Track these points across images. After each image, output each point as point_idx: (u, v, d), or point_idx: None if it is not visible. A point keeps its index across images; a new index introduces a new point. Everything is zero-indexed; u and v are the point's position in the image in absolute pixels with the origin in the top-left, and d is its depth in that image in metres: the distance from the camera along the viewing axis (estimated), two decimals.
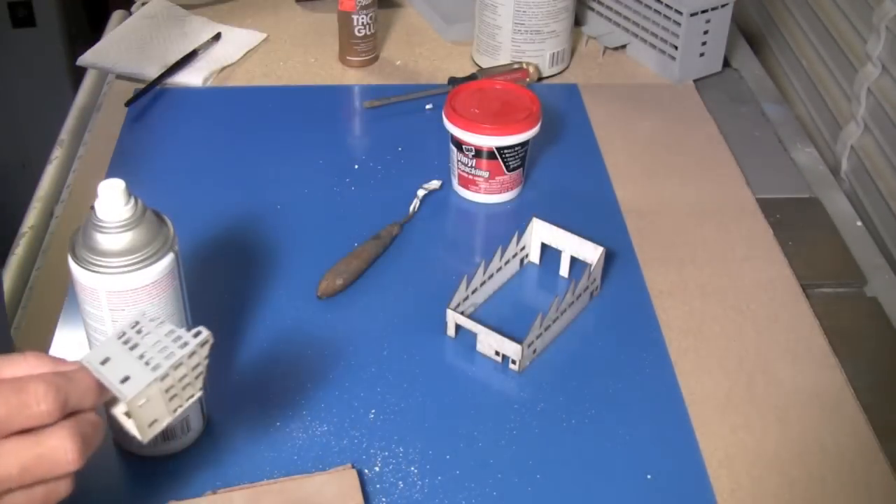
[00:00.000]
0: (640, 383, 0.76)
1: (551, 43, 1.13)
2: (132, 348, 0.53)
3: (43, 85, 1.98)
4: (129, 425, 0.52)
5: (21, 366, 0.50)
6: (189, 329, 0.53)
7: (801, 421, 0.74)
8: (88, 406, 0.51)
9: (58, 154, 1.04)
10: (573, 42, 1.19)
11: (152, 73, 1.11)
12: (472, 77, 1.10)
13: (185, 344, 0.53)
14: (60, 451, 0.48)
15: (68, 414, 0.49)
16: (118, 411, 0.52)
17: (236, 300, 0.82)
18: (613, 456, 0.70)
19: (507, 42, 1.13)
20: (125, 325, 0.54)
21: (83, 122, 1.09)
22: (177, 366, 0.52)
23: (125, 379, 0.51)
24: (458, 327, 0.79)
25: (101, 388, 0.51)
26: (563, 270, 0.87)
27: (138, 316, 0.54)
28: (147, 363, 0.52)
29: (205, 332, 0.54)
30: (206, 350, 0.54)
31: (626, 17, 1.20)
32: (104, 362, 0.52)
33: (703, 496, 0.68)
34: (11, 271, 0.87)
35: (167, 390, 0.53)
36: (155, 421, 0.53)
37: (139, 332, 0.54)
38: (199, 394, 0.55)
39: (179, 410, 0.54)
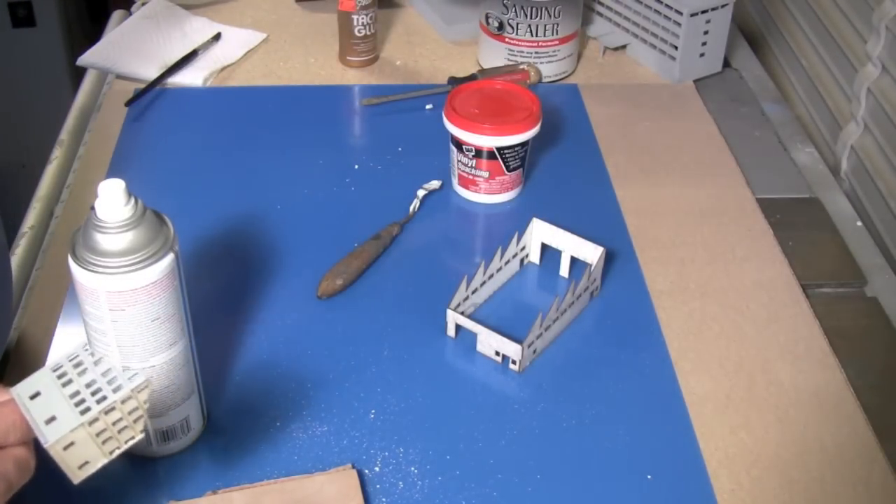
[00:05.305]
0: (640, 383, 0.76)
1: None
2: (65, 385, 0.51)
3: (43, 85, 1.98)
4: (60, 464, 0.51)
5: None
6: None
7: (801, 421, 0.74)
8: (13, 443, 0.49)
9: (58, 154, 1.04)
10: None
11: (152, 73, 1.11)
12: (472, 77, 1.10)
13: (119, 388, 0.51)
14: None
15: None
16: (47, 448, 0.50)
17: (236, 300, 0.82)
18: (613, 456, 0.70)
19: None
20: (63, 357, 0.52)
21: (83, 122, 1.09)
22: (108, 410, 0.51)
23: (51, 419, 0.50)
24: (458, 327, 0.79)
25: (28, 424, 0.49)
26: (563, 270, 0.87)
27: (79, 349, 0.53)
28: (77, 405, 0.50)
29: (141, 378, 0.52)
30: (144, 395, 0.52)
31: (626, 18, 1.20)
32: (34, 396, 0.50)
33: (703, 496, 0.68)
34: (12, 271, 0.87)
35: (98, 434, 0.51)
36: (87, 462, 0.51)
37: (77, 366, 0.52)
38: (139, 436, 0.53)
39: (117, 452, 0.52)
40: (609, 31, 1.22)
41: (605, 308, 0.84)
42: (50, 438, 0.49)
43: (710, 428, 0.73)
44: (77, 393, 0.51)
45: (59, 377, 0.52)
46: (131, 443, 0.53)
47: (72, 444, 0.50)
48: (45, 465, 0.67)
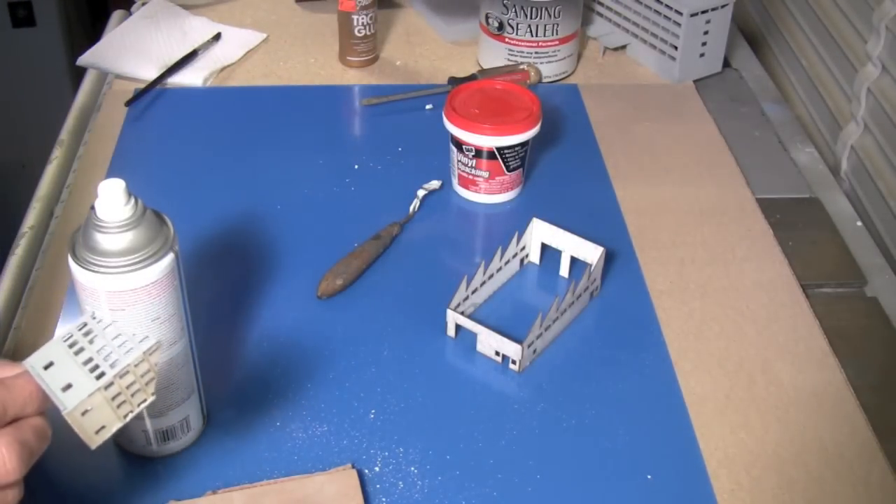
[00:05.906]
0: (640, 383, 0.76)
1: None
2: (77, 353, 0.52)
3: (43, 85, 1.98)
4: (77, 430, 0.51)
5: None
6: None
7: (800, 421, 0.74)
8: (30, 414, 0.50)
9: (58, 154, 1.04)
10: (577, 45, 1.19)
11: (152, 73, 1.11)
12: (472, 77, 1.10)
13: (130, 351, 0.52)
14: None
15: (11, 420, 0.48)
16: (65, 415, 0.51)
17: (236, 300, 0.82)
18: (613, 456, 0.70)
19: None
20: (72, 327, 0.53)
21: (83, 122, 1.09)
22: (122, 374, 0.51)
23: (67, 387, 0.50)
24: (458, 327, 0.79)
25: (44, 394, 0.50)
26: (563, 270, 0.87)
27: (87, 318, 0.53)
28: (91, 370, 0.51)
29: (152, 340, 0.53)
30: (155, 357, 0.53)
31: (626, 18, 1.20)
32: (48, 367, 0.51)
33: (703, 496, 0.68)
34: (11, 271, 0.87)
35: (113, 398, 0.52)
36: (103, 427, 0.52)
37: (87, 334, 0.53)
38: (150, 399, 0.54)
39: (130, 416, 0.53)
40: (609, 31, 1.22)
41: (605, 308, 0.84)
42: (68, 405, 0.50)
43: (710, 428, 0.73)
44: (90, 360, 0.52)
45: (71, 346, 0.52)
46: (144, 405, 0.54)
47: (88, 410, 0.51)
48: (46, 466, 0.67)
